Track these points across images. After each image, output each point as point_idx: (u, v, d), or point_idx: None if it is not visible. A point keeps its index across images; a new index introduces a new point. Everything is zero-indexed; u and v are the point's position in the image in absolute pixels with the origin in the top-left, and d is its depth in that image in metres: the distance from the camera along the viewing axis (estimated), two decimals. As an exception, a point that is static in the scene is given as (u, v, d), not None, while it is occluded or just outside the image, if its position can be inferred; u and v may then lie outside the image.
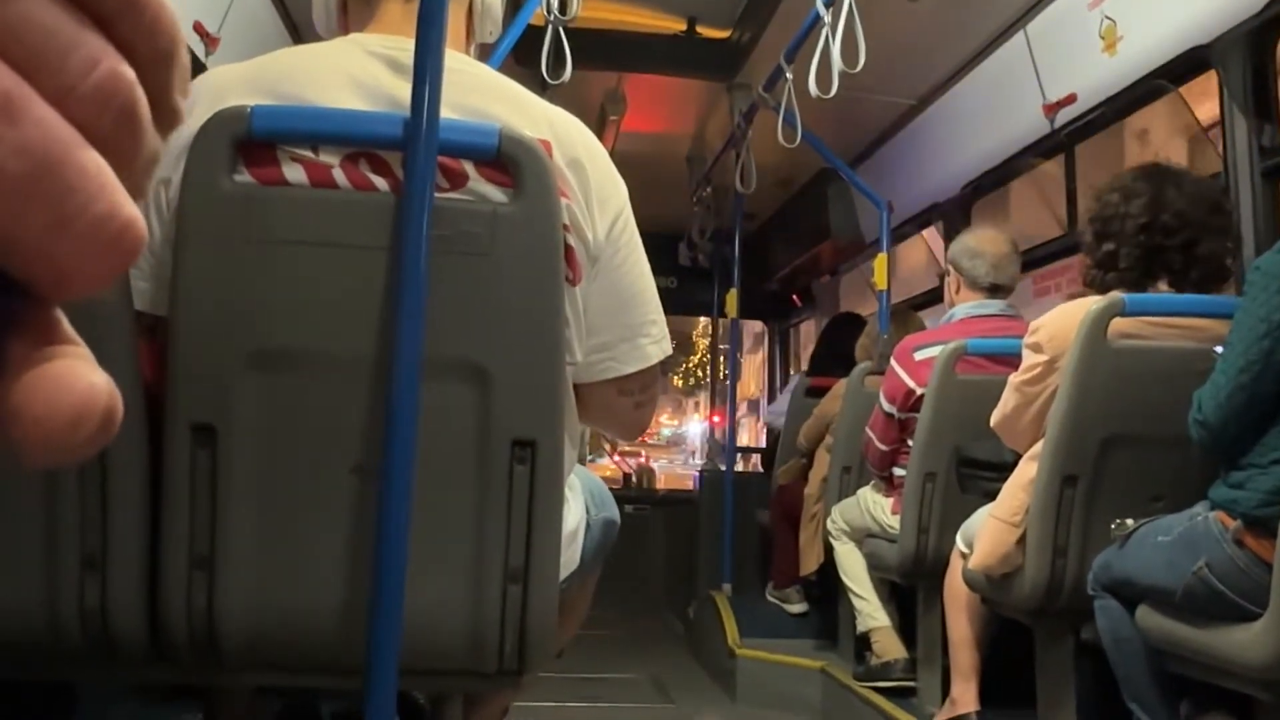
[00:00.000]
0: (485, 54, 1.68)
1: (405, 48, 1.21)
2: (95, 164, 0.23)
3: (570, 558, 1.42)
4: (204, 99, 1.18)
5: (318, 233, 1.16)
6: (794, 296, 6.45)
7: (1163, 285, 2.12)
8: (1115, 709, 1.97)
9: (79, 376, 0.24)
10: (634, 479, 6.37)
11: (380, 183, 1.18)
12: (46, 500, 1.14)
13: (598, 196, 1.28)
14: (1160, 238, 2.08)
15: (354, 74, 1.22)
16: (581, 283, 1.28)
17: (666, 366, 1.45)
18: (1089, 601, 1.99)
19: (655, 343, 1.37)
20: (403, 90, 1.17)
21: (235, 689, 1.34)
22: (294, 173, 1.17)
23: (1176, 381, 1.90)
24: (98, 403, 0.24)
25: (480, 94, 1.25)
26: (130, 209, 0.24)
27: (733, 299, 4.94)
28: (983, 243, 2.97)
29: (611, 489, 1.68)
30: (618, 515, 1.61)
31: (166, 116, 0.26)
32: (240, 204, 1.15)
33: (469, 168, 1.20)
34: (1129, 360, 2.04)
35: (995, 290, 2.93)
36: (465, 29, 1.40)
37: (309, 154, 1.17)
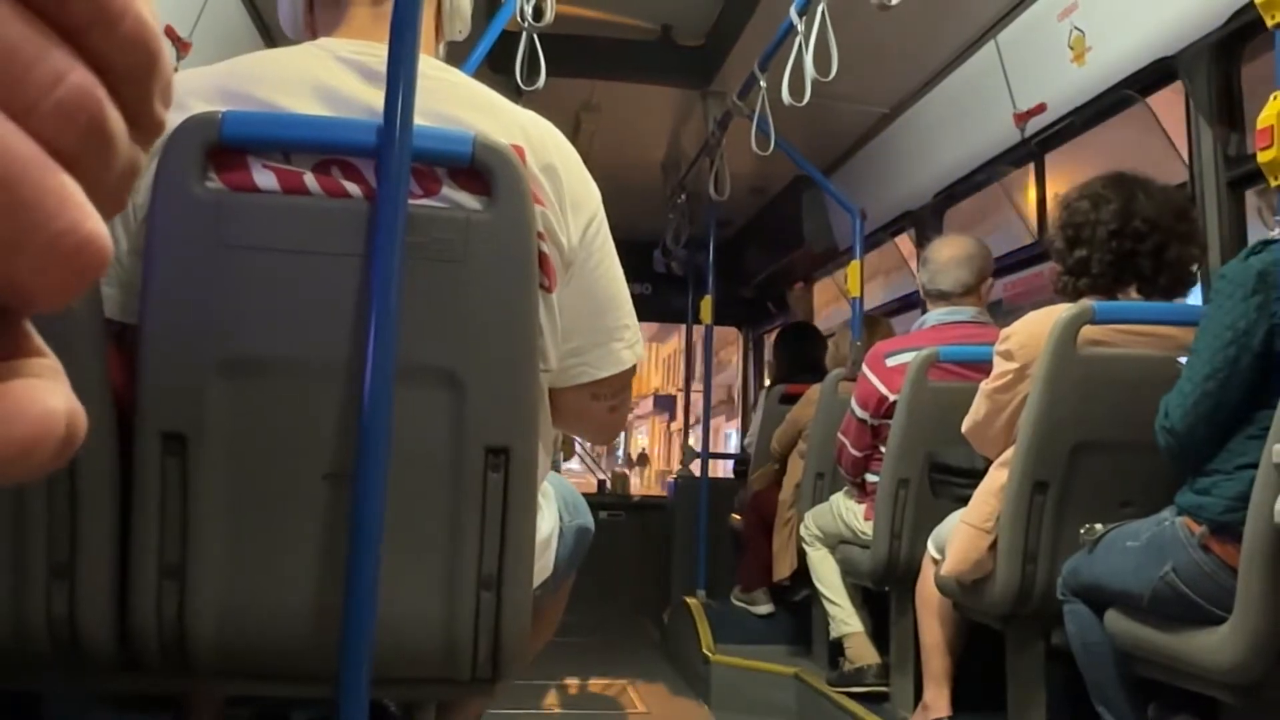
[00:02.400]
0: (457, 54, 1.67)
1: (375, 53, 1.21)
2: (56, 180, 0.23)
3: (544, 565, 1.42)
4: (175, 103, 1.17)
5: (290, 239, 1.16)
6: (768, 303, 6.47)
7: (1133, 291, 2.14)
8: (1085, 712, 1.99)
9: (34, 401, 0.24)
10: (608, 485, 6.37)
11: (353, 189, 1.18)
12: (14, 508, 1.13)
13: (571, 200, 1.28)
14: (1131, 243, 2.11)
15: (324, 80, 1.21)
16: (557, 289, 1.28)
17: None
18: (1059, 606, 2.01)
19: (629, 347, 1.37)
20: (374, 98, 1.17)
21: (205, 698, 1.33)
22: (265, 179, 1.16)
23: (1145, 388, 1.92)
24: (53, 430, 0.24)
25: (451, 100, 1.25)
26: (91, 225, 0.24)
27: (707, 305, 4.95)
28: (933, 249, 3.02)
29: (585, 495, 1.68)
30: (592, 522, 1.61)
31: (148, 127, 0.26)
32: (211, 210, 1.14)
33: (442, 174, 1.20)
34: (1098, 367, 2.06)
35: (943, 297, 2.96)
36: (434, 28, 1.39)
37: (280, 160, 1.17)
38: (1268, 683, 1.60)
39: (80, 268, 0.24)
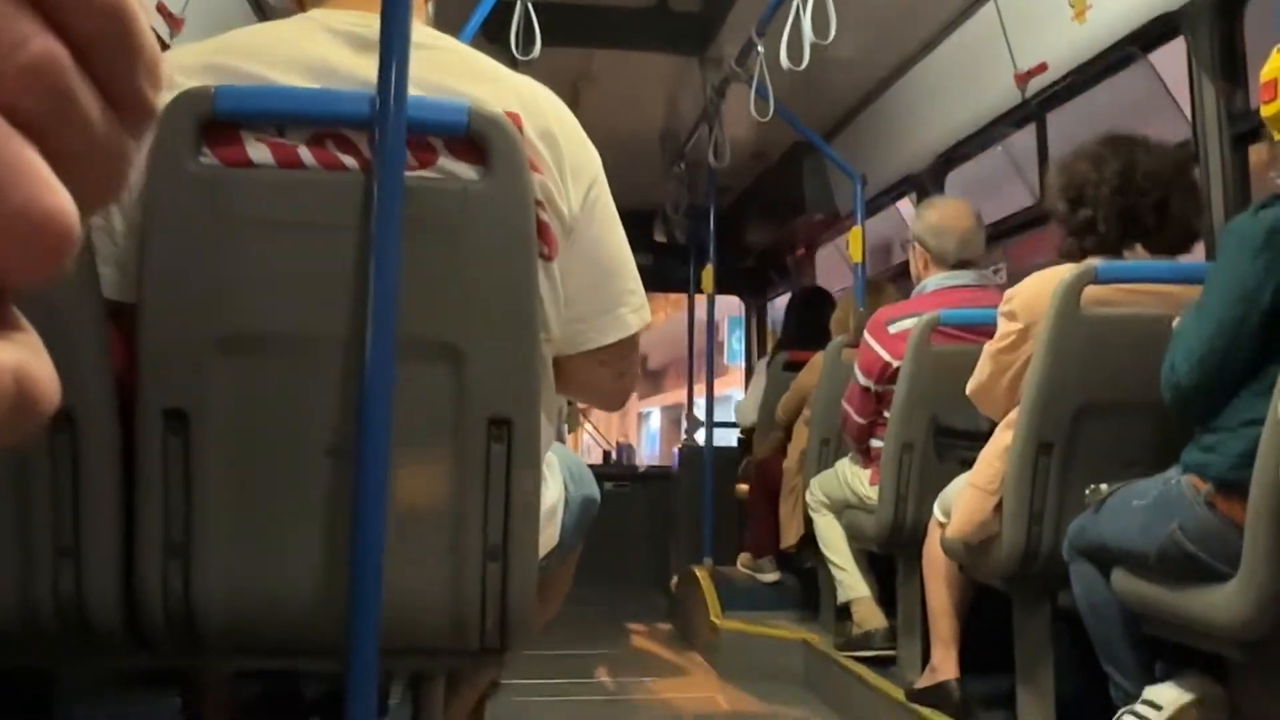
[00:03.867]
0: (452, 23, 1.66)
1: (367, 24, 1.20)
2: (15, 150, 0.22)
3: (549, 535, 1.42)
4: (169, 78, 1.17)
5: (286, 213, 1.15)
6: (770, 271, 6.45)
7: (1139, 247, 2.14)
8: (1092, 672, 1.99)
9: None
10: (614, 455, 6.40)
11: (349, 161, 1.17)
12: (17, 489, 1.13)
13: (571, 166, 1.27)
14: (1135, 199, 2.10)
15: (316, 53, 1.20)
16: (558, 256, 1.27)
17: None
18: (1065, 567, 2.01)
19: (634, 311, 1.36)
20: (367, 69, 1.16)
21: (214, 674, 1.34)
22: (259, 153, 1.15)
23: (1149, 348, 1.91)
24: None
25: (446, 69, 1.24)
26: (54, 200, 0.23)
27: (708, 275, 4.94)
28: (947, 218, 2.98)
29: (591, 466, 1.68)
30: (597, 493, 1.61)
31: (134, 109, 0.25)
32: (206, 186, 1.13)
33: (438, 145, 1.19)
34: (1102, 328, 2.05)
35: (963, 265, 2.95)
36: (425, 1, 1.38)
37: (274, 134, 1.16)
38: (1274, 639, 1.60)
39: (43, 243, 0.23)
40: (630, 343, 1.38)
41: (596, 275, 1.32)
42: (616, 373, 1.42)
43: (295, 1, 1.32)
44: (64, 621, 1.15)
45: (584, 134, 1.31)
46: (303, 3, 1.31)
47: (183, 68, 1.17)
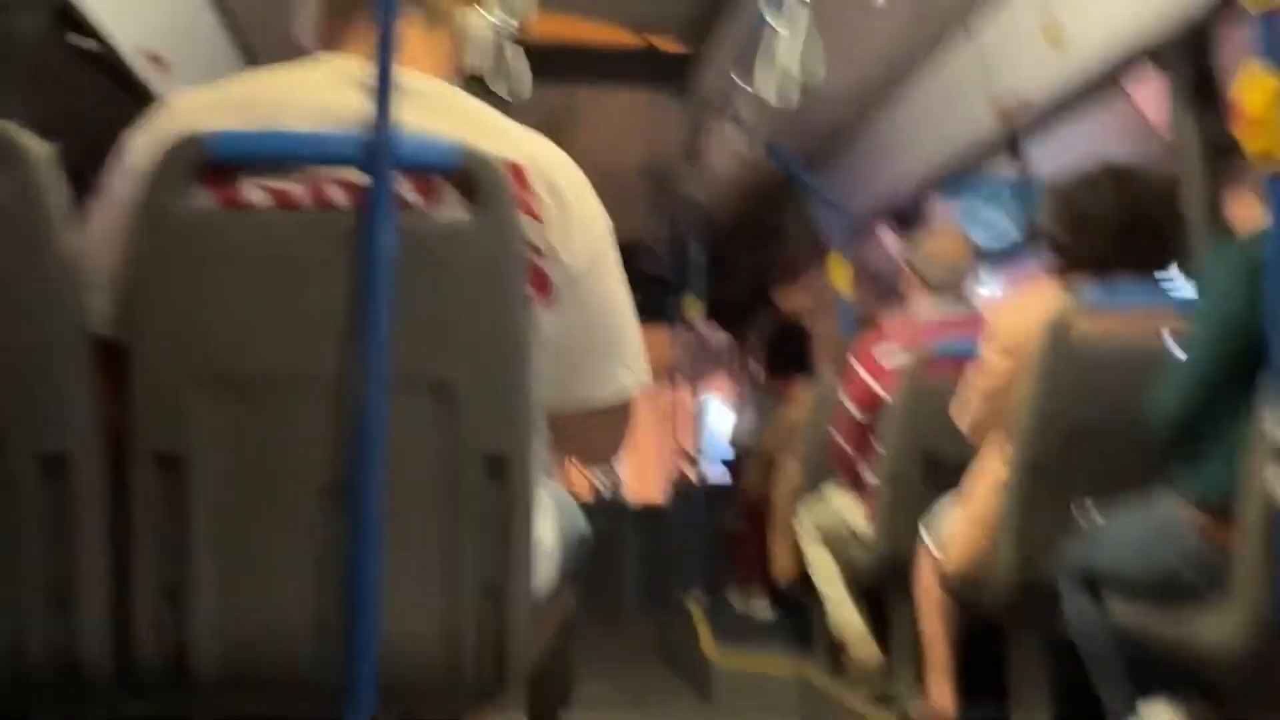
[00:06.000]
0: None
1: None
2: None
3: (543, 574, 1.42)
4: (173, 121, 1.19)
5: (280, 253, 1.16)
6: (756, 303, 6.47)
7: (1132, 273, 2.17)
8: (1088, 699, 1.99)
9: None
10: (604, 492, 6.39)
11: (342, 201, 1.18)
12: (6, 533, 1.12)
13: (579, 223, 1.28)
14: (1130, 226, 2.14)
15: (332, 98, 1.22)
16: (553, 305, 1.27)
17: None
18: (1058, 593, 2.01)
19: (633, 375, 1.36)
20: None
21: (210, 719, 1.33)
22: (256, 195, 1.16)
23: (1137, 372, 1.93)
24: None
25: (451, 119, 1.25)
26: None
27: (694, 307, 4.96)
28: (937, 245, 3.03)
29: (582, 501, 1.68)
30: (590, 530, 1.61)
31: None
32: (197, 228, 1.14)
33: (440, 183, 1.20)
34: (1089, 354, 2.07)
35: (950, 290, 2.99)
36: (449, 57, 1.39)
37: (275, 175, 1.16)
38: (1266, 661, 1.60)
39: None
40: (626, 409, 1.39)
41: (597, 334, 1.32)
42: (608, 432, 1.43)
43: (320, 41, 1.34)
44: (54, 667, 1.13)
45: (592, 192, 1.32)
46: (326, 44, 1.33)
47: (205, 112, 1.19)
